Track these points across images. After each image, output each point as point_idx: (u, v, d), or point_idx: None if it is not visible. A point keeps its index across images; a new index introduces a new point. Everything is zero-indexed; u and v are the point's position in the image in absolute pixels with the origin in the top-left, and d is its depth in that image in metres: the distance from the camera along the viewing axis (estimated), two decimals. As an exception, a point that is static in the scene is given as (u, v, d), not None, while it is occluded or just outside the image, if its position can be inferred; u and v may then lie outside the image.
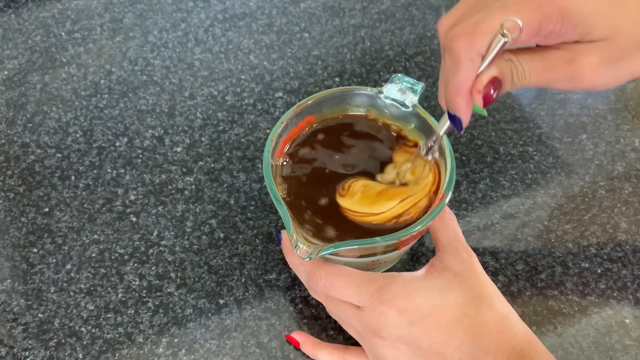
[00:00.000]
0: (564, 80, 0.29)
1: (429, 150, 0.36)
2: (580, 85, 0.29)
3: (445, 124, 0.33)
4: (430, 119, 0.37)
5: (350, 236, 0.35)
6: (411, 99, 0.38)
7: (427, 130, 0.38)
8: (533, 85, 0.30)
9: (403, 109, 0.38)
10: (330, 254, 0.34)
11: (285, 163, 0.38)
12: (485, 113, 0.32)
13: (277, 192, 0.34)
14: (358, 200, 0.36)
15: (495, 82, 0.29)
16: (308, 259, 0.31)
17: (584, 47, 0.28)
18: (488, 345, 0.31)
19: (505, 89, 0.30)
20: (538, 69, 0.29)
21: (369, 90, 0.39)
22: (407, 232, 0.33)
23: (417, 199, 0.36)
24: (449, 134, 0.35)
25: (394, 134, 0.39)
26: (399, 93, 0.38)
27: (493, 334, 0.31)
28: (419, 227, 0.33)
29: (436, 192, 0.36)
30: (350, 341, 0.39)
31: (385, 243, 0.32)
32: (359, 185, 0.37)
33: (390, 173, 0.37)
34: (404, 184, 0.37)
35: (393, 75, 0.39)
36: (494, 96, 0.29)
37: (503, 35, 0.27)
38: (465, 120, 0.30)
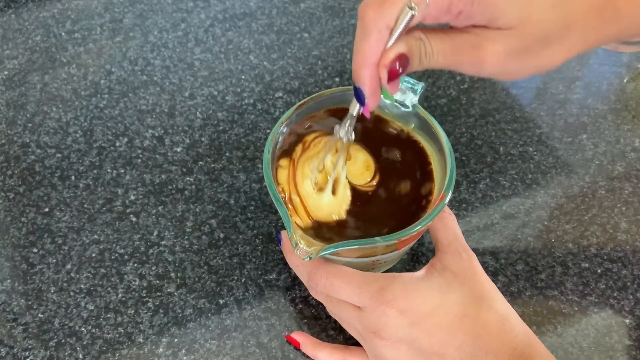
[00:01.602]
0: (469, 64, 0.29)
1: (344, 132, 0.34)
2: (484, 71, 0.29)
3: (356, 104, 0.32)
4: (431, 119, 0.37)
5: (351, 236, 0.35)
6: (411, 99, 0.38)
7: (427, 130, 0.38)
8: (440, 66, 0.29)
9: (403, 109, 0.38)
10: (330, 254, 0.34)
11: (284, 163, 0.38)
12: (392, 99, 0.31)
13: (277, 192, 0.34)
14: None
15: (402, 59, 0.28)
16: (308, 259, 0.31)
17: (491, 33, 0.28)
18: (489, 345, 0.31)
19: (413, 67, 0.29)
20: (446, 50, 0.29)
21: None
22: (407, 232, 0.33)
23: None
24: (449, 134, 0.35)
25: (395, 134, 0.39)
26: (399, 93, 0.38)
27: (494, 335, 0.31)
28: (419, 227, 0.33)
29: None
30: (350, 341, 0.39)
31: (385, 243, 0.32)
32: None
33: (327, 167, 0.37)
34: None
35: None
36: (400, 72, 0.29)
37: (410, 8, 0.27)
38: (369, 94, 0.30)
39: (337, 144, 0.36)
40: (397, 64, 0.28)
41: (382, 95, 0.32)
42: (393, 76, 0.29)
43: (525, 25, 0.28)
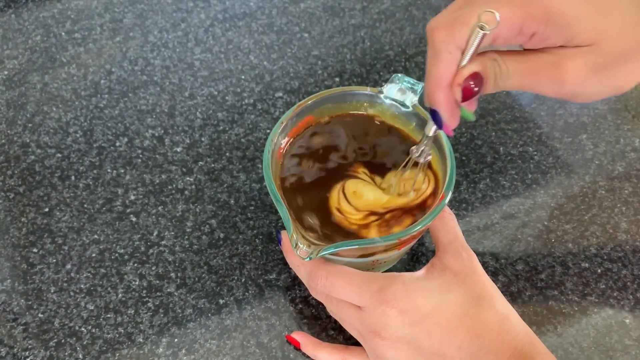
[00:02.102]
0: (547, 84, 0.29)
1: (421, 153, 0.35)
2: (564, 90, 0.28)
3: (432, 125, 0.32)
4: (429, 117, 0.37)
5: (351, 236, 0.35)
6: (411, 99, 0.38)
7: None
8: (516, 87, 0.29)
9: (403, 108, 0.38)
10: (330, 254, 0.34)
11: (285, 163, 0.38)
12: (472, 118, 0.32)
13: (277, 192, 0.34)
14: (355, 203, 0.36)
15: (477, 77, 0.28)
16: (308, 259, 0.31)
17: (570, 51, 0.28)
18: (489, 345, 0.31)
19: (488, 89, 0.29)
20: (522, 70, 0.29)
21: (368, 90, 0.39)
22: (407, 232, 0.33)
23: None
24: (446, 135, 0.35)
25: (395, 135, 0.39)
26: (399, 93, 0.38)
27: (494, 334, 0.31)
28: (419, 227, 0.33)
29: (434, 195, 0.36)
30: (350, 341, 0.39)
31: (385, 243, 0.32)
32: (357, 188, 0.37)
33: (389, 181, 0.37)
34: (401, 194, 0.36)
35: (393, 75, 0.39)
36: (475, 92, 0.28)
37: (481, 28, 0.26)
38: (446, 116, 0.30)
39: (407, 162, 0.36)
40: (472, 83, 0.28)
41: (460, 114, 0.32)
42: (468, 95, 0.28)
43: (604, 42, 0.27)
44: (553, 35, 0.27)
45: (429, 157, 0.35)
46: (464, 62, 0.28)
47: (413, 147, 0.36)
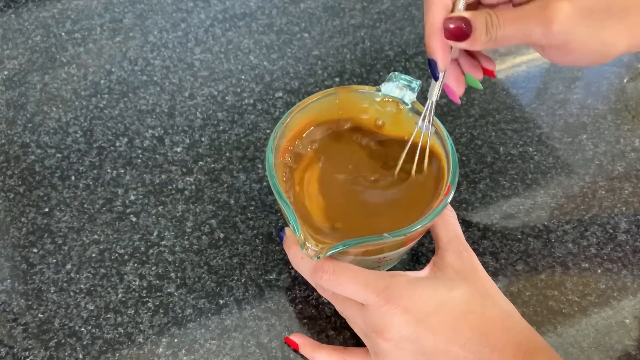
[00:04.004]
0: (537, 27, 0.30)
1: (425, 119, 0.35)
2: (552, 32, 0.29)
3: (435, 88, 0.33)
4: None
5: (357, 233, 0.35)
6: (409, 97, 0.38)
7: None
8: (509, 36, 0.30)
9: (401, 106, 0.39)
10: (338, 252, 0.34)
11: (287, 163, 0.38)
12: (479, 85, 0.32)
13: (282, 193, 0.34)
14: (357, 200, 0.36)
15: (465, 21, 0.30)
16: (316, 258, 0.31)
17: None
18: (494, 342, 0.31)
19: (481, 38, 0.30)
20: (512, 18, 0.30)
21: (367, 89, 0.39)
22: (414, 227, 0.33)
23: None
24: (449, 135, 0.35)
25: (397, 132, 0.39)
26: (397, 90, 0.38)
27: (498, 331, 0.31)
28: (425, 222, 0.33)
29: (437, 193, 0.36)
30: (349, 342, 0.39)
31: (393, 239, 0.32)
32: (359, 184, 0.37)
33: (393, 175, 0.37)
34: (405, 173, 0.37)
35: (390, 74, 0.39)
36: (462, 32, 0.30)
37: None
38: (441, 63, 0.31)
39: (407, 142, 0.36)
40: (460, 24, 0.30)
41: (466, 81, 0.33)
42: (453, 33, 0.30)
43: None
44: None
45: (432, 129, 0.36)
46: (457, 10, 0.30)
47: (419, 119, 0.36)
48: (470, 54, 0.37)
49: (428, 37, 0.31)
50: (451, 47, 0.32)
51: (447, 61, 0.31)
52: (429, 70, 0.32)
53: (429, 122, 0.36)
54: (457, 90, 0.32)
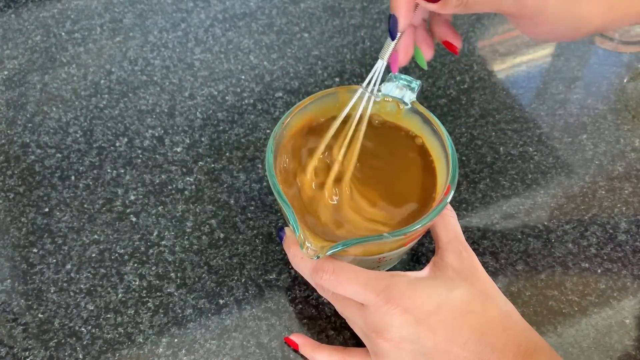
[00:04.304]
0: None
1: (372, 82, 0.34)
2: (523, 3, 0.28)
3: (387, 49, 0.31)
4: (430, 115, 0.37)
5: (357, 233, 0.35)
6: (409, 97, 0.38)
7: (427, 126, 0.38)
8: (480, 3, 0.29)
9: (401, 106, 0.39)
10: (338, 252, 0.34)
11: (287, 163, 0.38)
12: (424, 64, 0.31)
13: (282, 193, 0.34)
14: (360, 200, 0.36)
15: None
16: (316, 258, 0.31)
17: None
18: (494, 342, 0.31)
19: (452, 1, 0.29)
20: None
21: (367, 90, 0.39)
22: (414, 227, 0.33)
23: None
24: (449, 135, 0.35)
25: (396, 132, 0.40)
26: (397, 90, 0.38)
27: (498, 331, 0.31)
28: (425, 222, 0.33)
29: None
30: (349, 342, 0.39)
31: (393, 239, 0.32)
32: (360, 185, 0.37)
33: (392, 175, 0.37)
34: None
35: (390, 74, 0.39)
36: None
37: None
38: (402, 21, 0.29)
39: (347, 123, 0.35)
40: None
41: (414, 55, 0.31)
42: None
43: None
44: None
45: (379, 96, 0.34)
46: None
47: (363, 83, 0.34)
48: (431, 29, 0.35)
49: None
50: (416, 6, 0.31)
51: (408, 21, 0.30)
52: (388, 27, 0.30)
53: (374, 84, 0.34)
54: (401, 60, 0.31)
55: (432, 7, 0.30)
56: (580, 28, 0.30)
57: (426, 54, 0.31)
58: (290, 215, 0.32)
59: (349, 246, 0.32)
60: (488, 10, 0.30)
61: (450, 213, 0.37)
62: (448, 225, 0.36)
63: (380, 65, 0.33)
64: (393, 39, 0.30)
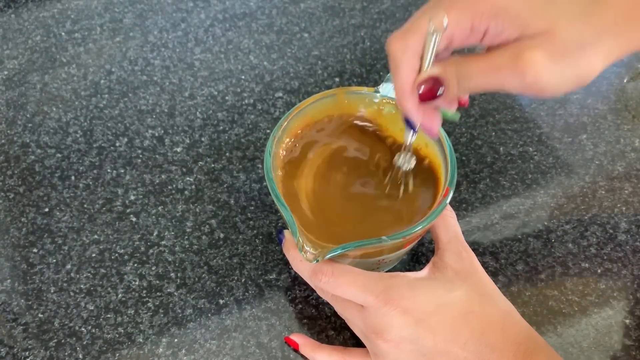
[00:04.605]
0: (510, 78, 0.29)
1: (403, 161, 0.36)
2: (526, 81, 0.28)
3: (409, 134, 0.33)
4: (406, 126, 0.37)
5: (356, 236, 0.35)
6: None
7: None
8: (482, 86, 0.30)
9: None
10: (337, 256, 0.34)
11: (285, 166, 0.38)
12: (456, 118, 0.32)
13: (280, 196, 0.34)
14: (357, 204, 0.36)
15: (436, 81, 0.29)
16: (315, 261, 0.31)
17: (527, 42, 0.28)
18: (494, 342, 0.31)
19: (453, 91, 0.30)
20: (483, 68, 0.29)
21: (365, 90, 0.39)
22: (413, 230, 0.33)
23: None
24: (449, 135, 0.35)
25: (392, 135, 0.39)
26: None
27: (498, 331, 0.31)
28: (424, 225, 0.33)
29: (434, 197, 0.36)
30: (349, 342, 0.39)
31: (392, 242, 0.32)
32: (358, 188, 0.37)
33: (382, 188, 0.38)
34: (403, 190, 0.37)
35: (388, 75, 0.39)
36: (434, 93, 0.30)
37: (433, 32, 0.28)
38: (416, 121, 0.31)
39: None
40: (433, 86, 0.29)
41: (441, 116, 0.33)
42: (426, 96, 0.30)
43: (558, 28, 0.28)
44: (506, 29, 0.28)
45: (413, 164, 0.36)
46: (425, 66, 0.29)
47: (396, 156, 0.36)
48: None
49: (400, 99, 0.30)
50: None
51: (421, 116, 0.31)
52: (406, 125, 0.32)
53: (407, 162, 0.36)
54: (432, 126, 0.32)
55: (436, 102, 0.31)
56: (584, 80, 0.30)
57: (451, 109, 0.32)
58: (288, 219, 0.32)
59: (347, 250, 0.32)
60: (490, 91, 0.30)
61: (450, 214, 0.37)
62: (448, 226, 0.36)
63: (407, 146, 0.35)
64: (415, 130, 0.32)
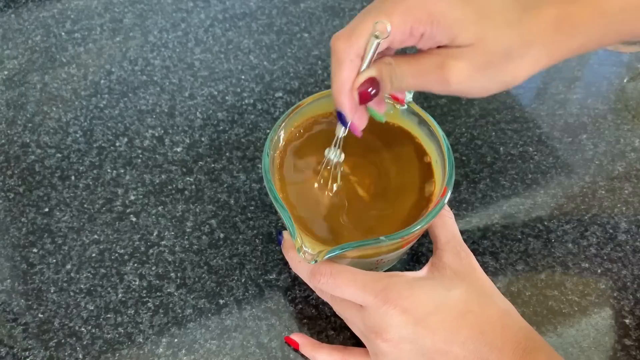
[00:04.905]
0: (435, 84, 0.30)
1: (332, 153, 0.36)
2: (450, 88, 0.30)
3: (341, 126, 0.34)
4: (426, 115, 0.37)
5: (354, 237, 0.35)
6: (406, 97, 0.38)
7: (423, 127, 0.38)
8: (412, 87, 0.31)
9: (397, 106, 0.39)
10: (336, 256, 0.34)
11: (283, 166, 0.38)
12: (382, 119, 0.34)
13: (279, 197, 0.34)
14: (356, 203, 0.36)
15: (373, 82, 0.31)
16: (314, 262, 0.31)
17: (453, 52, 0.30)
18: (493, 341, 0.31)
19: (386, 90, 0.32)
20: (414, 72, 0.31)
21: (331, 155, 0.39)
22: (411, 230, 0.33)
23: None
24: (449, 134, 0.35)
25: (394, 134, 0.39)
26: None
27: (497, 330, 0.31)
28: (422, 225, 0.33)
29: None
30: (349, 342, 0.39)
31: (390, 242, 0.32)
32: (356, 187, 0.37)
33: (388, 177, 0.38)
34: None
35: None
36: (372, 94, 0.31)
37: (376, 36, 0.29)
38: (349, 117, 0.32)
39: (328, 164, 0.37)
40: (369, 87, 0.31)
41: (368, 115, 0.34)
42: (365, 98, 0.31)
43: (483, 42, 0.29)
44: (438, 35, 0.29)
45: (342, 158, 0.36)
46: (364, 67, 0.31)
47: (327, 149, 0.37)
48: None
49: (337, 94, 0.31)
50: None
51: (354, 112, 0.32)
52: (338, 119, 0.33)
53: (337, 155, 0.36)
54: (359, 125, 0.34)
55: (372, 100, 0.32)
56: (508, 86, 0.31)
57: (379, 110, 0.34)
58: (287, 220, 0.32)
59: (346, 250, 0.32)
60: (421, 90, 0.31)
61: (448, 214, 0.37)
62: (446, 226, 0.36)
63: (338, 140, 0.35)
64: (346, 126, 0.33)
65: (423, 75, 0.31)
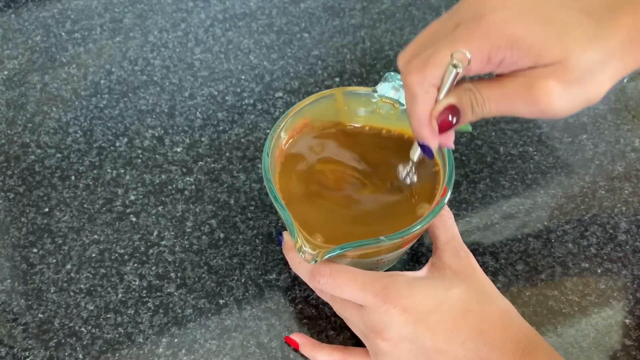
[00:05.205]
0: (523, 106, 0.30)
1: (406, 175, 0.36)
2: (539, 109, 0.29)
3: (417, 151, 0.34)
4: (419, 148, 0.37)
5: (354, 237, 0.35)
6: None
7: None
8: (494, 113, 0.30)
9: (397, 106, 0.39)
10: (336, 256, 0.34)
11: (285, 165, 0.38)
12: (469, 129, 0.33)
13: (279, 197, 0.34)
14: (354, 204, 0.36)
15: (453, 110, 0.30)
16: (314, 262, 0.31)
17: (540, 71, 0.29)
18: (493, 340, 0.31)
19: (467, 118, 0.31)
20: (497, 96, 0.30)
21: (363, 90, 0.39)
22: (411, 230, 0.33)
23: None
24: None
25: (393, 135, 0.39)
26: (393, 91, 0.38)
27: (497, 329, 0.31)
28: (422, 225, 0.33)
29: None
30: (349, 342, 0.39)
31: (390, 242, 0.32)
32: (356, 188, 0.37)
33: (389, 177, 0.38)
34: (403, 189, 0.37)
35: (386, 74, 0.39)
36: (453, 123, 0.30)
37: (455, 66, 0.28)
38: (434, 147, 0.32)
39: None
40: (449, 115, 0.30)
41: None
42: (445, 127, 0.30)
43: (571, 57, 0.28)
44: (520, 59, 0.28)
45: (415, 179, 0.36)
46: (441, 96, 0.30)
47: (400, 167, 0.36)
48: None
49: (417, 127, 0.31)
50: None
51: (437, 141, 0.32)
52: (421, 150, 0.33)
53: (410, 177, 0.36)
54: (449, 143, 0.33)
55: (453, 129, 0.31)
56: (592, 102, 0.31)
57: (437, 131, 0.33)
58: (287, 220, 0.32)
59: (346, 250, 0.32)
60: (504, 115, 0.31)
61: (447, 214, 0.37)
62: (446, 226, 0.36)
63: (412, 165, 0.35)
64: (431, 158, 0.33)
65: (508, 99, 0.30)
